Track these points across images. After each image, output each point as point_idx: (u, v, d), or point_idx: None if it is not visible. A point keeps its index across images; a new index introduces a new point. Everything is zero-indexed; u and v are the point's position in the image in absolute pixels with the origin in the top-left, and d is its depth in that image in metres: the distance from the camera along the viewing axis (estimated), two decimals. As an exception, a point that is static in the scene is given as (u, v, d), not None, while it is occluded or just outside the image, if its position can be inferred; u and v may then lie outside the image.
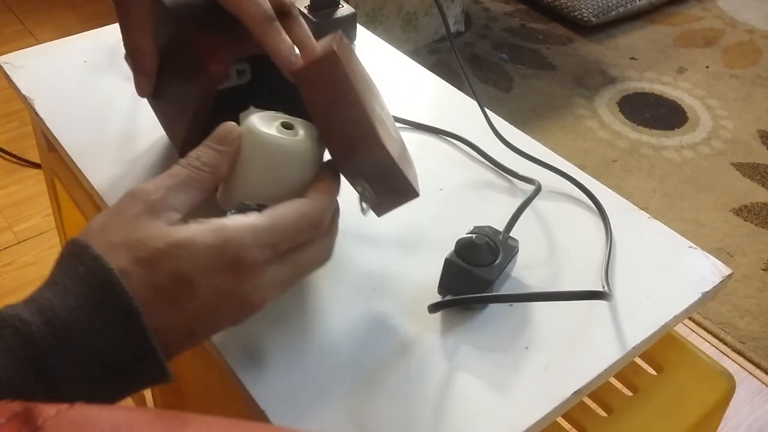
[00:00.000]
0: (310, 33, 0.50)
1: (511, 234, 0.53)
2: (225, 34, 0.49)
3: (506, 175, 0.62)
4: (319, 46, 0.47)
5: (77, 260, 0.36)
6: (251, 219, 0.40)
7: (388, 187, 0.47)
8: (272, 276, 0.41)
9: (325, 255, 0.45)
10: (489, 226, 0.52)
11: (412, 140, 0.66)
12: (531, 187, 0.61)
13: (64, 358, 0.34)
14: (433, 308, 0.49)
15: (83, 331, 0.35)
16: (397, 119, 0.67)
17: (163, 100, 0.55)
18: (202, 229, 0.38)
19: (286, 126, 0.45)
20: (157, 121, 0.59)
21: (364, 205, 0.46)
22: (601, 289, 0.49)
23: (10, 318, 0.34)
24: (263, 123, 0.44)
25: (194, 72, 0.48)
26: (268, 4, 0.47)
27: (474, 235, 0.51)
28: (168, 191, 0.40)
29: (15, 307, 0.35)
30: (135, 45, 0.51)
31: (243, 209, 0.44)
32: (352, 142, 0.44)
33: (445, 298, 0.49)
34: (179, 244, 0.38)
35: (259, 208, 0.45)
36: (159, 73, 0.53)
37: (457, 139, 0.66)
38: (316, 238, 0.43)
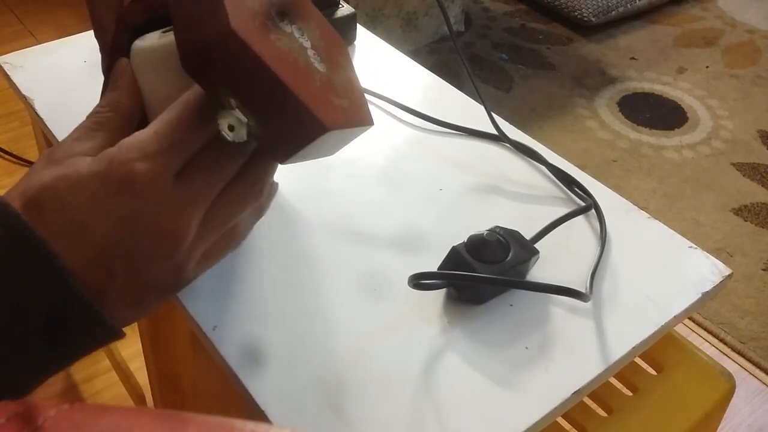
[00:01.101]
0: None
1: (528, 239, 0.52)
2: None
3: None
4: None
5: None
6: (134, 135, 0.37)
7: (269, 108, 0.35)
8: (183, 192, 0.37)
9: (250, 184, 0.40)
10: (514, 230, 0.52)
11: (412, 140, 0.66)
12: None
13: None
14: (413, 279, 0.48)
15: (4, 286, 0.33)
16: (398, 119, 0.67)
17: None
18: (87, 159, 0.36)
19: (169, 32, 0.41)
20: None
21: (228, 131, 0.36)
22: (581, 290, 0.49)
23: None
24: (144, 40, 0.41)
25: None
26: None
27: (486, 232, 0.50)
28: (72, 142, 0.39)
29: None
30: (100, 23, 0.47)
31: None
32: (195, 22, 0.34)
33: (425, 272, 0.49)
34: (63, 176, 0.36)
35: None
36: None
37: (462, 131, 0.66)
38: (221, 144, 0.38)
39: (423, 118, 0.68)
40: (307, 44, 0.39)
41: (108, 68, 0.45)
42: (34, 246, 0.34)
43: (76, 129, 0.40)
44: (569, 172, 0.61)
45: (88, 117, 0.40)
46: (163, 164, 0.36)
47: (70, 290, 0.34)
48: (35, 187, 0.36)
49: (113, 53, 0.43)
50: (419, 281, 0.49)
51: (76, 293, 0.35)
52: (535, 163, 0.63)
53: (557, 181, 0.62)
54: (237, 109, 0.35)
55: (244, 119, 0.35)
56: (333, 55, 0.42)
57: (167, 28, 0.41)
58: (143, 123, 0.40)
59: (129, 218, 0.35)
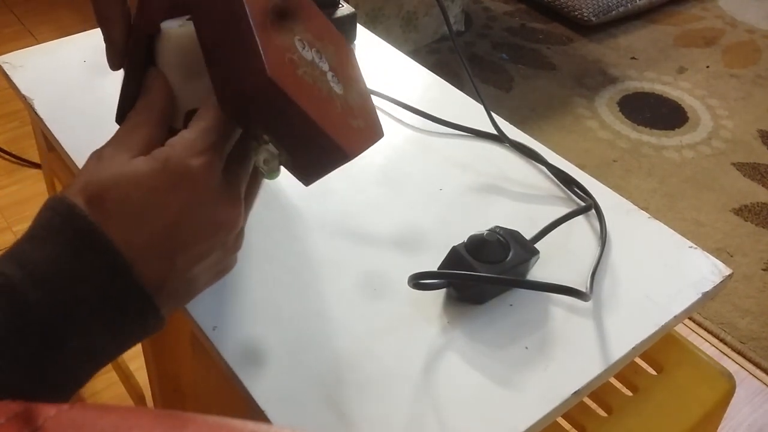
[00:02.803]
0: None
1: (528, 239, 0.52)
2: None
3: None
4: None
5: (52, 211, 0.37)
6: (181, 134, 0.39)
7: (298, 140, 0.38)
8: (230, 184, 0.40)
9: None
10: (514, 230, 0.52)
11: (412, 140, 0.66)
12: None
13: (52, 309, 0.35)
14: (412, 279, 0.49)
15: (67, 280, 0.35)
16: (398, 119, 0.67)
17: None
18: (142, 158, 0.39)
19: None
20: None
21: (263, 165, 0.40)
22: (582, 289, 0.49)
23: None
24: (169, 24, 0.42)
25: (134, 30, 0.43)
26: None
27: (486, 232, 0.50)
28: (117, 143, 0.41)
29: None
30: (103, 13, 0.46)
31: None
32: (235, 73, 0.36)
33: (424, 272, 0.49)
34: (122, 173, 0.38)
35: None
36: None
37: (462, 130, 0.66)
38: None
39: (424, 117, 0.68)
40: (326, 67, 0.41)
41: (117, 62, 0.46)
42: (100, 245, 0.36)
43: (118, 131, 0.42)
44: (569, 172, 0.61)
45: (126, 120, 0.42)
46: (214, 159, 0.39)
47: (133, 284, 0.36)
48: (94, 185, 0.37)
49: (132, 56, 0.44)
50: (419, 281, 0.49)
51: (138, 286, 0.37)
52: (535, 163, 0.63)
53: (557, 181, 0.62)
54: (270, 143, 0.38)
55: (276, 152, 0.39)
56: (344, 67, 0.43)
57: (188, 17, 0.42)
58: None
59: (188, 210, 0.38)
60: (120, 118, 0.46)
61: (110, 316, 0.37)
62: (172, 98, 0.43)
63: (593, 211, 0.59)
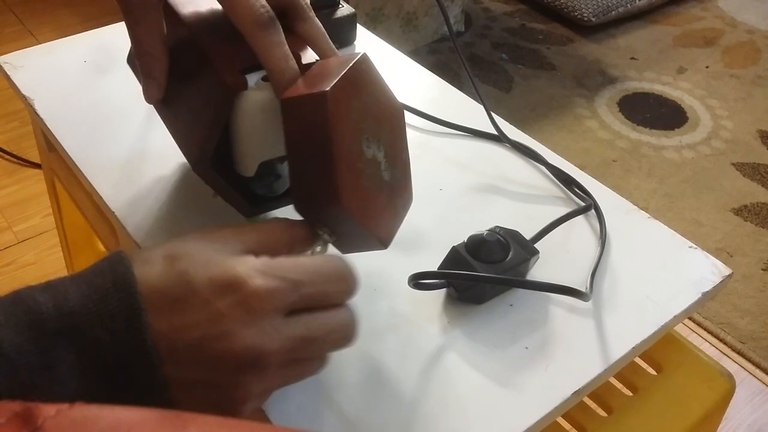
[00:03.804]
0: (322, 30, 0.47)
1: (528, 239, 0.53)
2: (241, 41, 0.47)
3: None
4: (331, 64, 0.45)
5: (106, 259, 0.37)
6: (281, 258, 0.39)
7: (350, 236, 0.44)
8: (280, 325, 0.37)
9: (348, 326, 0.41)
10: (514, 230, 0.52)
11: (411, 140, 0.66)
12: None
13: (67, 343, 0.34)
14: (413, 279, 0.49)
15: (89, 319, 0.35)
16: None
17: (173, 109, 0.52)
18: (232, 251, 0.38)
19: (267, 79, 0.46)
20: (160, 122, 0.59)
21: (318, 248, 0.44)
22: (582, 289, 0.49)
23: (26, 297, 0.35)
24: (252, 88, 0.46)
25: (210, 83, 0.46)
26: (264, 2, 0.44)
27: (486, 232, 0.51)
28: (238, 230, 0.41)
29: (33, 288, 0.36)
30: (144, 48, 0.48)
31: (264, 169, 0.48)
32: (313, 189, 0.42)
33: (425, 272, 0.49)
34: (201, 252, 0.38)
35: (280, 161, 0.49)
36: (169, 79, 0.50)
37: (462, 131, 0.66)
38: (344, 298, 0.40)
39: (423, 117, 0.68)
40: (381, 155, 0.46)
41: (157, 97, 0.49)
42: (129, 296, 0.35)
43: (249, 226, 0.42)
44: (569, 172, 0.61)
45: (262, 222, 0.43)
46: (282, 291, 0.37)
47: (146, 347, 0.35)
48: (179, 246, 0.38)
49: (216, 122, 0.46)
50: (419, 281, 0.49)
51: (150, 352, 0.35)
52: (535, 163, 0.63)
53: (557, 181, 0.62)
54: (327, 235, 0.44)
55: (331, 240, 0.44)
56: (395, 143, 0.49)
57: (264, 74, 0.46)
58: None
59: (217, 316, 0.35)
60: (196, 167, 0.48)
61: (117, 376, 0.35)
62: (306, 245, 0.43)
63: (593, 211, 0.59)
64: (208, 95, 0.47)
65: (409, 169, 0.51)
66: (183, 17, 0.49)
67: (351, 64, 0.44)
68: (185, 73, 0.49)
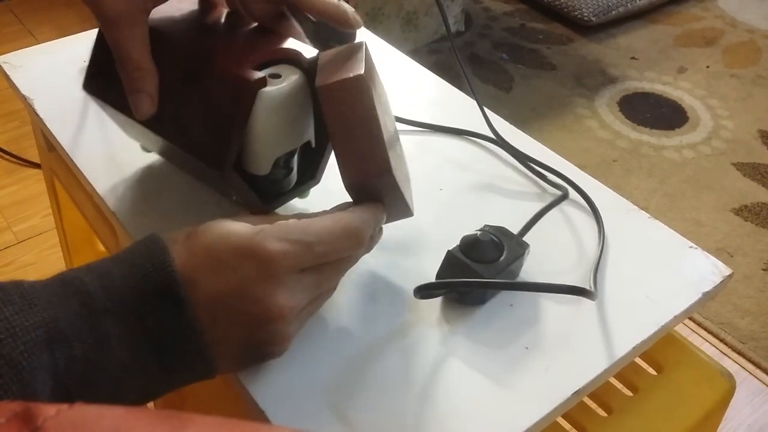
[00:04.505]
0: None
1: (522, 237, 0.53)
2: (245, 42, 0.49)
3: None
4: (340, 52, 0.47)
5: (142, 242, 0.41)
6: (289, 220, 0.42)
7: (388, 205, 0.48)
8: (300, 282, 0.42)
9: (348, 264, 0.46)
10: (502, 227, 0.52)
11: (411, 141, 0.66)
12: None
13: (116, 319, 0.37)
14: (419, 290, 0.49)
15: (133, 298, 0.38)
16: (398, 119, 0.67)
17: (168, 121, 0.50)
18: (245, 224, 0.41)
19: (274, 76, 0.47)
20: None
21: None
22: (587, 287, 0.49)
23: (73, 279, 0.38)
24: (267, 86, 0.46)
25: (221, 85, 0.46)
26: None
27: (479, 232, 0.51)
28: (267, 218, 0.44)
29: (77, 271, 0.39)
30: (133, 63, 0.46)
31: (277, 166, 0.49)
32: (363, 166, 0.45)
33: (431, 282, 0.49)
34: (219, 226, 0.41)
35: (291, 155, 0.51)
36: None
37: (468, 135, 0.66)
38: (353, 254, 0.45)
39: (406, 123, 0.68)
40: (392, 129, 0.50)
41: (151, 110, 0.48)
42: (167, 276, 0.39)
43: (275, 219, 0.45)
44: (568, 173, 0.61)
45: (290, 219, 0.44)
46: (297, 253, 0.41)
47: (187, 319, 0.39)
48: (202, 227, 0.42)
49: (240, 124, 0.46)
50: (425, 291, 0.49)
51: (191, 323, 0.39)
52: (528, 162, 0.63)
53: (556, 179, 0.62)
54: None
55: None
56: (393, 124, 0.52)
57: (273, 72, 0.47)
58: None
59: (246, 281, 0.40)
60: (223, 173, 0.48)
61: (163, 350, 0.39)
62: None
63: (592, 211, 0.59)
64: (219, 99, 0.46)
65: (402, 149, 0.54)
66: (170, 26, 0.49)
67: (364, 51, 0.47)
68: (179, 82, 0.48)
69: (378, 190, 0.47)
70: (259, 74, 0.46)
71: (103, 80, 0.52)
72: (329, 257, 0.43)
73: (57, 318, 0.36)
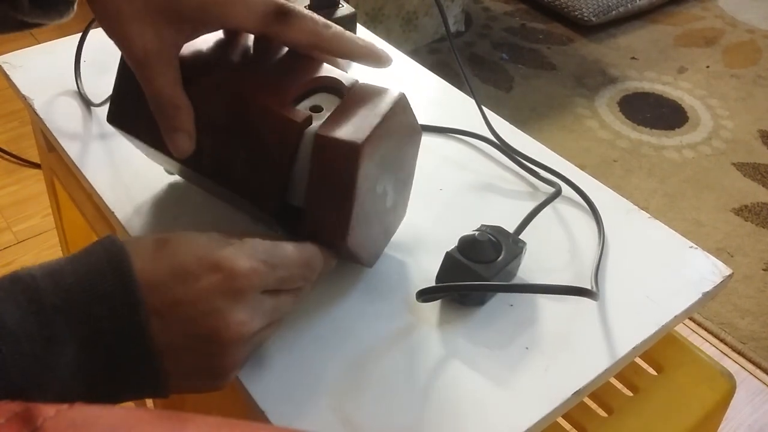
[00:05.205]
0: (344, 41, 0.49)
1: (519, 236, 0.53)
2: (281, 71, 0.48)
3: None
4: (369, 96, 0.46)
5: (98, 242, 0.39)
6: (261, 240, 0.42)
7: (344, 256, 0.49)
8: (263, 303, 0.41)
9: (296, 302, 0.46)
10: (498, 226, 0.52)
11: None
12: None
13: (65, 318, 0.36)
14: (421, 294, 0.49)
15: (86, 296, 0.37)
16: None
17: (207, 157, 0.48)
18: (211, 235, 0.41)
19: (316, 108, 0.46)
20: None
21: None
22: (588, 287, 0.49)
23: (24, 276, 0.37)
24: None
25: (268, 125, 0.45)
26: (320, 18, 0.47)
27: (477, 233, 0.51)
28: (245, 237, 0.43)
29: (29, 268, 0.37)
30: (167, 100, 0.45)
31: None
32: (322, 220, 0.45)
33: (432, 285, 0.49)
34: (188, 236, 0.41)
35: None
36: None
37: (465, 134, 0.66)
38: (305, 285, 0.45)
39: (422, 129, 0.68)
40: (390, 187, 0.49)
41: (191, 147, 0.47)
42: (124, 275, 0.38)
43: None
44: (567, 173, 0.61)
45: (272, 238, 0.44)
46: (262, 272, 0.40)
47: (139, 322, 0.37)
48: (168, 233, 0.41)
49: (290, 161, 0.45)
50: (427, 295, 0.49)
51: (142, 326, 0.37)
52: (525, 162, 0.63)
53: (554, 178, 0.62)
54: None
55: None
56: (405, 169, 0.52)
57: (314, 103, 0.47)
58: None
59: (208, 293, 0.39)
60: (275, 213, 0.47)
61: (114, 355, 0.37)
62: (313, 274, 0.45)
63: (590, 209, 0.59)
64: (263, 138, 0.45)
65: (411, 186, 0.54)
66: (201, 59, 0.48)
67: (387, 111, 0.45)
68: (216, 118, 0.47)
69: (333, 246, 0.46)
70: (302, 112, 0.45)
71: (130, 112, 0.50)
72: (288, 284, 0.43)
73: (3, 313, 0.35)
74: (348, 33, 0.48)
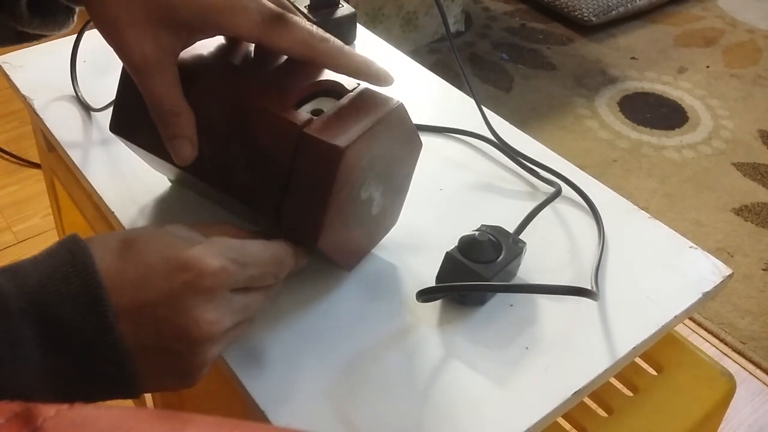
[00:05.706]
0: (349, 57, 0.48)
1: (518, 236, 0.53)
2: (280, 76, 0.48)
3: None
4: (367, 102, 0.46)
5: (61, 242, 0.39)
6: (231, 239, 0.42)
7: (321, 257, 0.49)
8: (231, 301, 0.40)
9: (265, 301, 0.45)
10: (498, 226, 0.52)
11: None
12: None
13: (30, 321, 0.35)
14: (421, 294, 0.49)
15: (51, 299, 0.36)
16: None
17: (209, 164, 0.48)
18: (179, 231, 0.41)
19: (317, 112, 0.46)
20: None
21: None
22: (588, 287, 0.49)
23: None
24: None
25: (269, 129, 0.45)
26: (314, 28, 0.46)
27: (477, 233, 0.51)
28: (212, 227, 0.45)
29: None
30: (167, 107, 0.45)
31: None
32: (300, 220, 0.45)
33: (432, 286, 0.49)
34: (155, 234, 0.40)
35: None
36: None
37: (465, 134, 0.66)
38: (275, 283, 0.45)
39: (421, 129, 0.68)
40: (378, 194, 0.49)
41: (193, 153, 0.47)
42: (88, 275, 0.37)
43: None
44: (567, 173, 0.61)
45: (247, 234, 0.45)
46: (231, 271, 0.40)
47: (108, 323, 0.37)
48: (135, 231, 0.41)
49: (291, 165, 0.45)
50: (427, 295, 0.49)
51: (111, 328, 0.37)
52: (524, 162, 0.63)
53: (554, 178, 0.62)
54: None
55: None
56: (399, 177, 0.51)
57: (315, 107, 0.47)
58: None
59: (178, 292, 0.38)
60: (276, 219, 0.47)
61: (81, 356, 0.36)
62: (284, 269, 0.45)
63: (589, 208, 0.59)
64: (265, 142, 0.45)
65: (405, 195, 0.53)
66: (200, 65, 0.47)
67: (379, 119, 0.45)
68: (217, 124, 0.47)
69: (308, 246, 0.46)
70: (303, 115, 0.45)
71: (132, 121, 0.50)
72: (258, 282, 0.43)
73: None
74: (347, 48, 0.48)
